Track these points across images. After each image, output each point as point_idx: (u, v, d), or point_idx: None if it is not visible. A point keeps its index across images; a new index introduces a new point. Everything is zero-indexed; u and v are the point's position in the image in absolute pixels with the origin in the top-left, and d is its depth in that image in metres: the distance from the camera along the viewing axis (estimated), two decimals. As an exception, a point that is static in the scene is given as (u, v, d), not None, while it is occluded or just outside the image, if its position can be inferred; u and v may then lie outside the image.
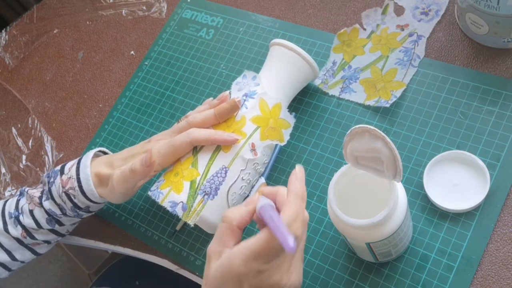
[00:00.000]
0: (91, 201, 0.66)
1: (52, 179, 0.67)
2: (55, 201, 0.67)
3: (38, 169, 0.82)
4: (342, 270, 0.62)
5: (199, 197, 0.61)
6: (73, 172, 0.66)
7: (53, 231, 0.70)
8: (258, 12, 0.85)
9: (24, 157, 0.89)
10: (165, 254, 0.71)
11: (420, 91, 0.69)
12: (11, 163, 0.89)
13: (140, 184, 0.65)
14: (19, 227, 0.68)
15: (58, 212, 0.67)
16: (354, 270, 0.61)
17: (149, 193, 0.64)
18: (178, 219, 0.72)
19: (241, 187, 0.65)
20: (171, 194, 0.62)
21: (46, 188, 0.68)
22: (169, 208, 0.61)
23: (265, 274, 0.45)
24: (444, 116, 0.66)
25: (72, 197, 0.65)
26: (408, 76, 0.70)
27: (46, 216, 0.67)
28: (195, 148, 0.64)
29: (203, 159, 0.63)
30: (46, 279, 1.35)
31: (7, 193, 0.86)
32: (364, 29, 0.76)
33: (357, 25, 0.76)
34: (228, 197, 0.64)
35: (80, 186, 0.65)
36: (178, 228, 0.71)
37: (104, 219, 0.77)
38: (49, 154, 0.87)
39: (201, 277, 0.68)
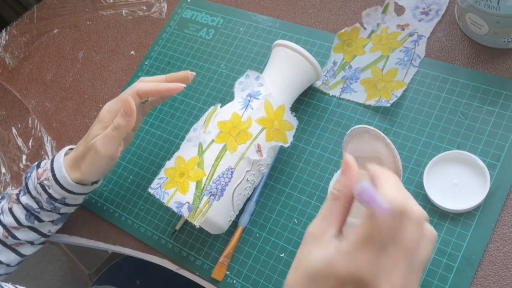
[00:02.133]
0: (65, 189, 0.66)
1: (29, 174, 0.68)
2: (31, 195, 0.67)
3: (25, 177, 0.83)
4: (342, 270, 0.62)
5: (205, 198, 0.61)
6: (48, 164, 0.67)
7: (33, 229, 0.69)
8: (258, 12, 0.85)
9: (24, 157, 0.89)
10: (165, 254, 0.71)
11: (420, 91, 0.69)
12: (11, 163, 0.89)
13: (122, 148, 0.67)
14: (0, 227, 0.68)
15: (35, 206, 0.67)
16: (354, 270, 0.61)
17: (151, 191, 0.64)
18: (178, 219, 0.72)
19: (246, 188, 0.65)
20: (177, 195, 0.62)
21: (23, 183, 0.68)
22: (174, 209, 0.61)
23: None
24: (444, 116, 0.66)
25: (47, 188, 0.66)
26: (408, 76, 0.70)
27: (25, 212, 0.67)
28: (201, 149, 0.64)
29: (209, 159, 0.63)
30: (46, 279, 1.35)
31: None
32: (365, 28, 0.76)
33: (357, 25, 0.76)
34: (233, 198, 0.64)
35: (54, 175, 0.65)
36: (178, 228, 0.71)
37: (104, 219, 0.77)
38: (49, 154, 0.87)
39: (202, 277, 0.68)
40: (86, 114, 0.89)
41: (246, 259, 0.67)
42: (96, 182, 0.71)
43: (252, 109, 0.65)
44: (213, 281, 0.67)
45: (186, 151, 0.65)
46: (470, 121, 0.65)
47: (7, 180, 0.88)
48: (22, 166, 0.88)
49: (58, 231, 0.76)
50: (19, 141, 0.91)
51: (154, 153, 0.79)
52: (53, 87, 0.95)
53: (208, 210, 0.61)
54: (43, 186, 0.66)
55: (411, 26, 0.74)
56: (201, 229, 0.64)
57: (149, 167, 0.78)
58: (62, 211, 0.69)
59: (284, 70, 0.68)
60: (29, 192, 0.67)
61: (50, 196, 0.66)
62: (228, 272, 0.67)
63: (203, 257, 0.69)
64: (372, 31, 0.76)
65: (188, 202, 0.61)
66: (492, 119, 0.64)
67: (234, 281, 0.66)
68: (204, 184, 0.62)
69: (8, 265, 0.70)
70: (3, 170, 0.89)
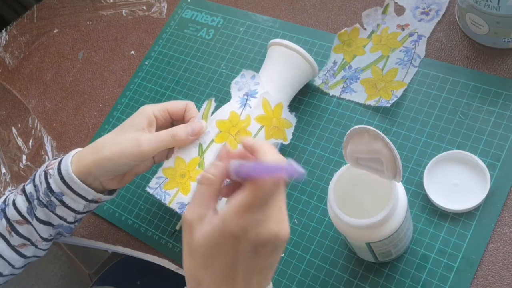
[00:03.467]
0: (64, 182, 0.61)
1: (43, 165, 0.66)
2: (34, 182, 0.64)
3: (38, 169, 0.83)
4: (342, 270, 0.62)
5: None
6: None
7: (33, 227, 0.66)
8: (258, 12, 0.85)
9: (24, 157, 0.89)
10: (165, 254, 0.71)
11: (420, 91, 0.69)
12: (11, 163, 0.89)
13: (141, 170, 0.66)
14: (3, 220, 0.65)
15: (34, 194, 0.63)
16: (354, 270, 0.61)
17: (150, 190, 0.64)
18: (178, 219, 0.72)
19: None
20: (179, 195, 0.62)
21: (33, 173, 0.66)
22: (177, 210, 0.61)
23: (262, 226, 0.42)
24: (445, 116, 0.66)
25: (49, 177, 0.62)
26: (408, 76, 0.70)
27: (27, 205, 0.64)
28: (201, 149, 0.64)
29: (209, 159, 0.63)
30: (46, 279, 1.35)
31: (7, 193, 0.86)
32: (365, 29, 0.76)
33: (357, 25, 0.76)
34: None
35: (59, 164, 0.62)
36: (178, 228, 0.71)
37: (104, 219, 0.77)
38: (49, 154, 0.87)
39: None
40: (86, 114, 0.89)
41: (246, 259, 0.67)
42: (100, 191, 0.65)
43: (250, 107, 0.65)
44: (213, 281, 0.67)
45: (186, 151, 0.65)
46: (470, 121, 0.65)
47: (7, 180, 0.88)
48: (22, 166, 0.88)
49: (50, 246, 0.75)
50: (19, 141, 0.91)
51: (154, 153, 0.79)
52: (53, 87, 0.95)
53: None
54: (46, 174, 0.63)
55: (411, 26, 0.74)
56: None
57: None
58: (58, 212, 0.64)
59: (279, 68, 0.68)
60: (34, 179, 0.64)
61: (48, 186, 0.62)
62: (228, 272, 0.67)
63: (203, 257, 0.69)
64: (372, 31, 0.76)
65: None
66: (492, 119, 0.64)
67: (234, 281, 0.66)
68: None
69: (13, 266, 0.68)
70: (3, 170, 0.89)
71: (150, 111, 0.64)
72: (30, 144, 0.90)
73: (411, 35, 0.73)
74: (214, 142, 0.64)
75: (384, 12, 0.76)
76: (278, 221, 0.43)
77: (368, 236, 0.52)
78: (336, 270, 0.62)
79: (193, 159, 0.64)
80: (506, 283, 0.56)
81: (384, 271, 0.60)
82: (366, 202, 0.57)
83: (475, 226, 0.59)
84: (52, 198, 0.62)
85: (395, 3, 0.76)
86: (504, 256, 0.57)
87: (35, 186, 0.64)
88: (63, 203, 0.63)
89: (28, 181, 0.66)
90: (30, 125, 0.92)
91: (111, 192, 0.67)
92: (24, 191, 0.65)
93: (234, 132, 0.64)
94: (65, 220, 0.65)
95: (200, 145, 0.64)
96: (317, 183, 0.68)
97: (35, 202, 0.64)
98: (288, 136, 0.67)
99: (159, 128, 0.65)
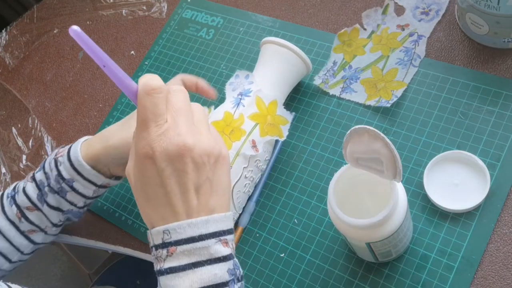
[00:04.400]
0: (74, 169, 0.63)
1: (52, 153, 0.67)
2: (44, 170, 0.66)
3: (46, 158, 0.84)
4: (342, 270, 0.62)
5: None
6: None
7: (43, 213, 0.67)
8: (258, 12, 0.85)
9: (24, 157, 0.89)
10: (165, 254, 0.71)
11: (420, 91, 0.69)
12: (11, 163, 0.89)
13: None
14: (14, 207, 0.67)
15: (45, 182, 0.65)
16: (354, 270, 0.61)
17: None
18: (178, 219, 0.72)
19: (245, 185, 0.65)
20: None
21: (43, 162, 0.67)
22: None
23: (165, 139, 0.43)
24: (444, 116, 0.66)
25: (59, 164, 0.64)
26: (409, 76, 0.70)
27: (37, 192, 0.66)
28: None
29: None
30: (46, 279, 1.35)
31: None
32: (365, 29, 0.76)
33: (357, 25, 0.76)
34: (233, 196, 0.64)
35: (68, 152, 0.64)
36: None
37: (104, 219, 0.77)
38: (49, 154, 0.87)
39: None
40: (86, 114, 0.89)
41: (246, 259, 0.67)
42: (108, 177, 0.67)
43: (244, 106, 0.66)
44: (213, 281, 0.67)
45: None
46: (470, 121, 0.65)
47: (7, 180, 0.88)
48: (22, 166, 0.88)
49: (59, 231, 0.76)
50: (19, 141, 0.91)
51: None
52: (53, 87, 0.95)
53: None
54: (56, 161, 0.65)
55: (411, 26, 0.74)
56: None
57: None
58: (68, 197, 0.66)
59: (272, 65, 0.69)
60: (44, 167, 0.66)
61: (59, 173, 0.64)
62: (228, 272, 0.67)
63: (203, 257, 0.69)
64: (372, 32, 0.76)
65: None
66: (492, 119, 0.64)
67: (234, 281, 0.66)
68: None
69: (22, 252, 0.69)
70: (3, 170, 0.89)
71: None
72: (30, 144, 0.90)
73: (411, 35, 0.73)
74: None
75: (384, 13, 0.76)
76: (183, 133, 0.44)
77: (368, 236, 0.52)
78: (336, 270, 0.62)
79: None
80: (506, 283, 0.56)
81: (384, 271, 0.60)
82: (366, 202, 0.57)
83: (475, 226, 0.59)
84: (63, 184, 0.64)
85: (395, 3, 0.76)
86: (504, 256, 0.57)
87: (45, 173, 0.66)
88: (73, 189, 0.65)
89: (37, 169, 0.68)
90: (30, 125, 0.92)
91: (117, 178, 0.69)
92: (34, 179, 0.67)
93: (228, 131, 0.64)
94: (75, 205, 0.67)
95: None
96: (317, 183, 0.68)
97: (46, 189, 0.65)
98: (284, 132, 0.67)
99: None
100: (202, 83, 0.68)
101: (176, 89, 0.47)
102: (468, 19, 0.67)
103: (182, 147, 0.43)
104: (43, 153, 0.88)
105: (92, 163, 0.64)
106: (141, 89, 0.45)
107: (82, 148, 0.64)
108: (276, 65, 0.69)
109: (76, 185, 0.65)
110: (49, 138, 0.89)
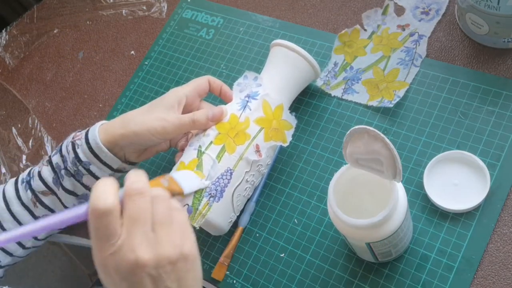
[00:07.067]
0: (92, 152, 0.64)
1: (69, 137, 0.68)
2: (61, 153, 0.66)
3: (64, 140, 0.83)
4: (342, 270, 0.62)
5: (204, 200, 0.61)
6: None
7: (58, 198, 0.67)
8: (258, 12, 0.85)
9: (24, 157, 0.89)
10: (165, 254, 0.71)
11: (420, 91, 0.69)
12: (11, 163, 0.89)
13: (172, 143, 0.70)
14: (29, 192, 0.67)
15: (61, 165, 0.66)
16: (354, 270, 0.61)
17: None
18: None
19: (246, 188, 0.65)
20: (176, 197, 0.62)
21: (59, 145, 0.68)
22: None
23: (117, 256, 0.42)
24: (445, 116, 0.66)
25: (76, 147, 0.65)
26: (410, 76, 0.70)
27: (53, 175, 0.66)
28: (200, 150, 0.64)
29: (207, 162, 0.63)
30: (46, 279, 1.35)
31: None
32: (365, 30, 0.76)
33: (357, 26, 0.76)
34: (233, 199, 0.64)
35: (86, 135, 0.65)
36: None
37: (104, 219, 0.77)
38: (49, 154, 0.87)
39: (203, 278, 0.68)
40: (86, 114, 0.89)
41: (246, 259, 0.67)
42: (123, 161, 0.67)
43: (250, 109, 0.65)
44: (213, 281, 0.67)
45: (187, 154, 0.65)
46: (470, 121, 0.65)
47: (7, 180, 0.88)
48: (22, 166, 0.88)
49: (59, 231, 0.76)
50: (19, 141, 0.91)
51: (154, 153, 0.79)
52: (53, 87, 0.95)
53: (208, 211, 0.61)
54: (73, 144, 0.65)
55: (411, 26, 0.74)
56: (201, 229, 0.64)
57: (149, 167, 0.78)
58: (84, 181, 0.66)
59: (282, 69, 0.68)
60: (60, 151, 0.66)
61: (76, 156, 0.64)
62: (228, 272, 0.67)
63: (203, 257, 0.69)
64: (373, 32, 0.76)
65: (188, 204, 0.61)
66: (492, 119, 0.64)
67: (234, 281, 0.66)
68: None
69: (36, 238, 0.70)
70: (3, 170, 0.89)
71: (183, 93, 0.66)
72: (30, 144, 0.90)
73: (411, 35, 0.73)
74: (213, 144, 0.64)
75: (384, 13, 0.76)
76: (137, 247, 0.41)
77: (368, 236, 0.52)
78: (336, 270, 0.62)
79: (192, 160, 0.64)
80: (506, 283, 0.56)
81: (384, 271, 0.60)
82: (366, 202, 0.57)
83: (475, 226, 0.59)
84: (80, 167, 0.65)
85: (395, 3, 0.76)
86: (504, 256, 0.57)
87: (62, 156, 0.66)
88: (90, 172, 0.65)
89: (53, 152, 0.68)
90: (30, 125, 0.92)
91: (131, 163, 0.69)
92: (50, 162, 0.67)
93: (233, 134, 0.64)
94: (90, 189, 0.67)
95: (199, 147, 0.64)
96: (317, 183, 0.68)
97: (63, 171, 0.66)
98: (288, 138, 0.67)
99: (188, 106, 0.67)
100: (227, 88, 0.69)
101: (134, 194, 0.43)
102: (468, 19, 0.67)
103: (134, 265, 0.41)
104: (43, 153, 0.88)
105: (109, 147, 0.64)
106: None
107: (100, 131, 0.65)
108: (287, 70, 0.68)
109: (92, 168, 0.65)
110: (49, 138, 0.89)
